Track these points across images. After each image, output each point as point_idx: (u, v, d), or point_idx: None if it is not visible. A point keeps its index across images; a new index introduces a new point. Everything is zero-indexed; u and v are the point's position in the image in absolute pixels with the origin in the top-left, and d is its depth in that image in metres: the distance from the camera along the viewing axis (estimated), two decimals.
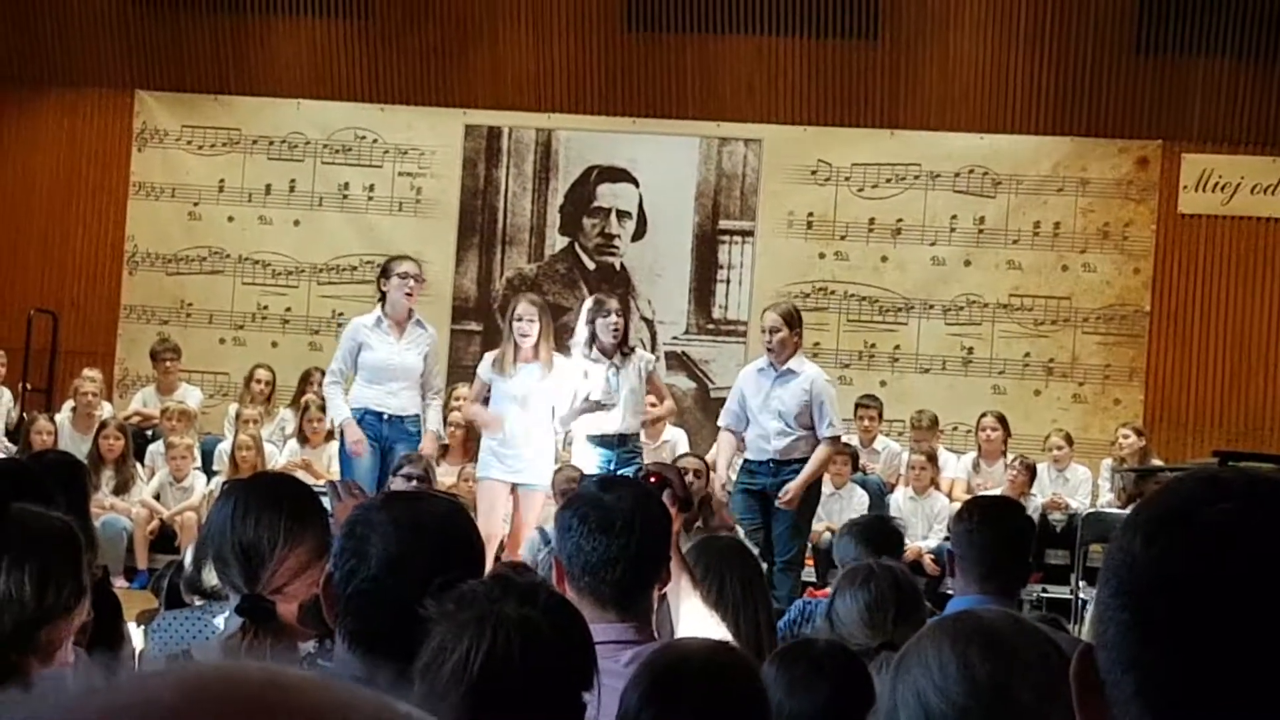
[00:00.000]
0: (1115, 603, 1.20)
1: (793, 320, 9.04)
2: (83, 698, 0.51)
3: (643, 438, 9.58)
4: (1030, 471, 11.37)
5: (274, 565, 3.06)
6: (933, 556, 10.65)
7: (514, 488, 8.90)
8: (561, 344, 10.20)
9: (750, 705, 2.50)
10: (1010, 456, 11.58)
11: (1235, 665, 1.14)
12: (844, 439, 11.75)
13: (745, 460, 9.06)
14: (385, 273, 9.29)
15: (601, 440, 8.93)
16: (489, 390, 9.03)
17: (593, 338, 9.03)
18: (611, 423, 8.91)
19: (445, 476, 10.50)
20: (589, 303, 9.46)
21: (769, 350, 8.98)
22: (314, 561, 3.06)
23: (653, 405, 9.60)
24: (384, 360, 9.02)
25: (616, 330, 8.97)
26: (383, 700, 0.53)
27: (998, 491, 10.78)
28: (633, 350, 9.17)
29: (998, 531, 4.51)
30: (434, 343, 9.44)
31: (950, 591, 5.69)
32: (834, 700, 2.76)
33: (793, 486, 8.74)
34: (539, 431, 8.91)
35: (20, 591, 2.56)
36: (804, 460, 8.84)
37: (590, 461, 8.83)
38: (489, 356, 9.18)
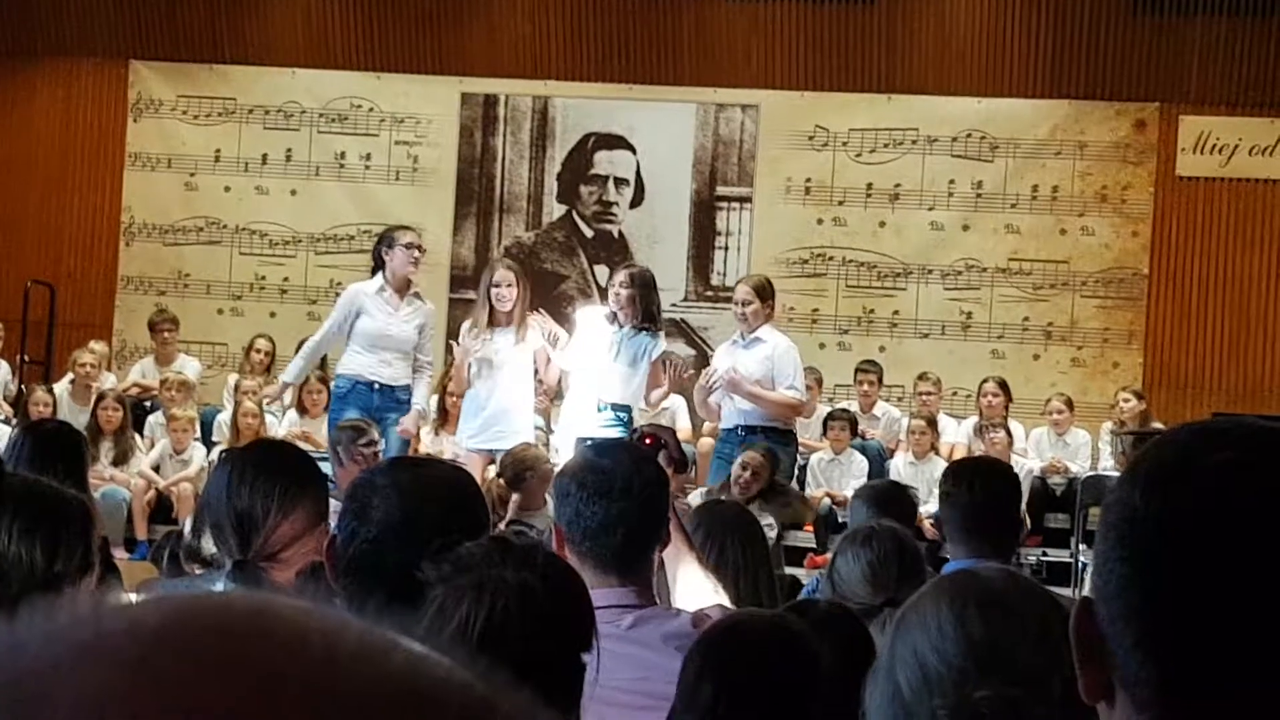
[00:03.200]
0: (1115, 555, 1.20)
1: (764, 292, 9.02)
2: (69, 624, 0.51)
3: (635, 413, 9.45)
4: (1006, 431, 11.35)
5: (268, 531, 3.06)
6: (932, 521, 10.65)
7: (493, 457, 8.84)
8: (558, 312, 10.19)
9: (807, 675, 2.49)
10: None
11: (1238, 614, 1.14)
12: (843, 405, 11.81)
13: (721, 428, 9.09)
14: (389, 242, 9.14)
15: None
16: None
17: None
18: (605, 390, 8.85)
19: (450, 445, 10.48)
20: None
21: (740, 321, 8.99)
22: (311, 528, 3.07)
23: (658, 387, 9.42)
24: (381, 329, 8.97)
25: (617, 298, 8.91)
26: (371, 626, 0.53)
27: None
28: (645, 329, 8.97)
29: (975, 493, 4.54)
30: (431, 317, 9.34)
31: (948, 556, 5.70)
32: (836, 661, 2.76)
33: (730, 376, 8.63)
34: (514, 396, 8.86)
35: (31, 555, 2.57)
36: (770, 428, 8.80)
37: (587, 424, 8.76)
38: (465, 324, 9.13)
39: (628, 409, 8.84)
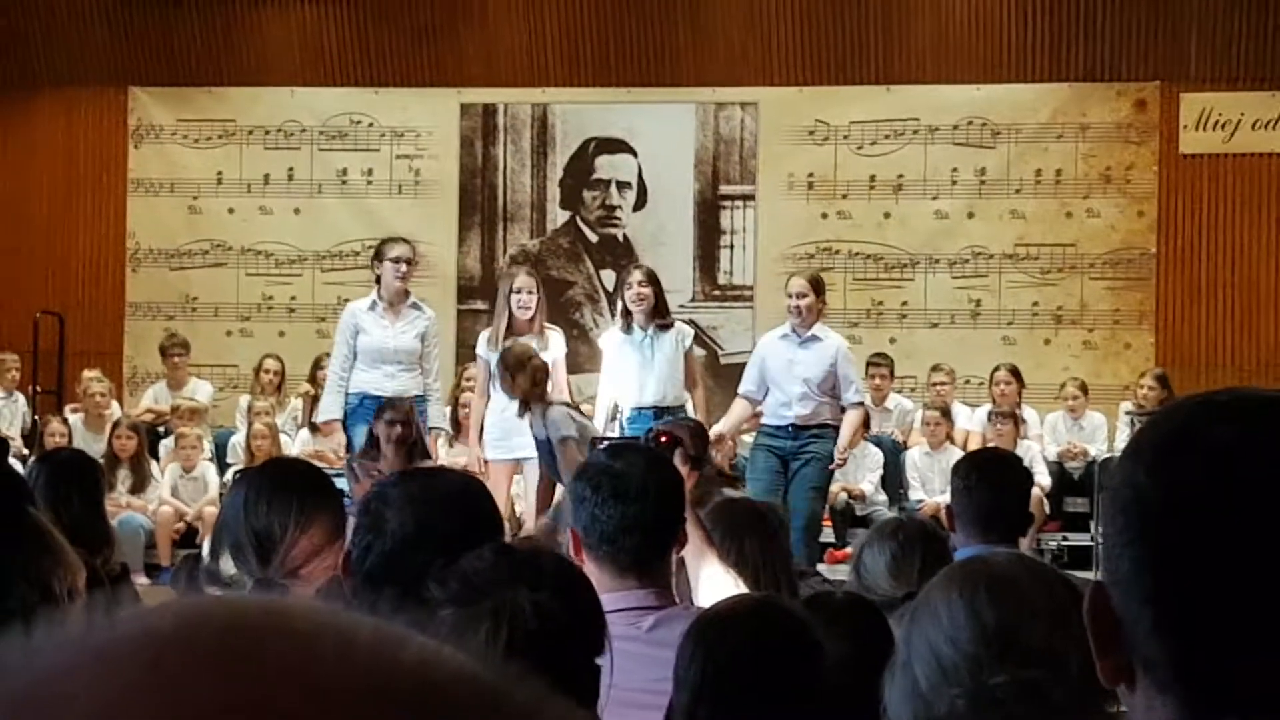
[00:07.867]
0: (1125, 537, 1.18)
1: (819, 286, 9.11)
2: (85, 630, 0.52)
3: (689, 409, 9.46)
4: (1013, 420, 11.29)
5: (286, 548, 3.06)
6: (946, 509, 10.63)
7: (520, 464, 8.87)
8: (567, 319, 10.20)
9: (799, 651, 2.48)
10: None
11: (1255, 589, 1.13)
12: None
13: (764, 424, 9.07)
14: (379, 255, 9.29)
15: (638, 411, 8.86)
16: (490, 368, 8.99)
17: (627, 309, 9.02)
18: (647, 394, 8.84)
19: (459, 457, 10.50)
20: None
21: (795, 315, 8.95)
22: (329, 543, 3.07)
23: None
24: (379, 344, 9.02)
25: (640, 298, 8.91)
26: (384, 624, 0.53)
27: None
28: (671, 324, 9.05)
29: (995, 486, 4.53)
30: (431, 324, 9.31)
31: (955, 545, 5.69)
32: (853, 653, 2.76)
33: (838, 451, 8.90)
34: None
35: None
36: (823, 425, 8.87)
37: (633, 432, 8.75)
38: (484, 335, 9.14)
39: (681, 407, 8.91)
